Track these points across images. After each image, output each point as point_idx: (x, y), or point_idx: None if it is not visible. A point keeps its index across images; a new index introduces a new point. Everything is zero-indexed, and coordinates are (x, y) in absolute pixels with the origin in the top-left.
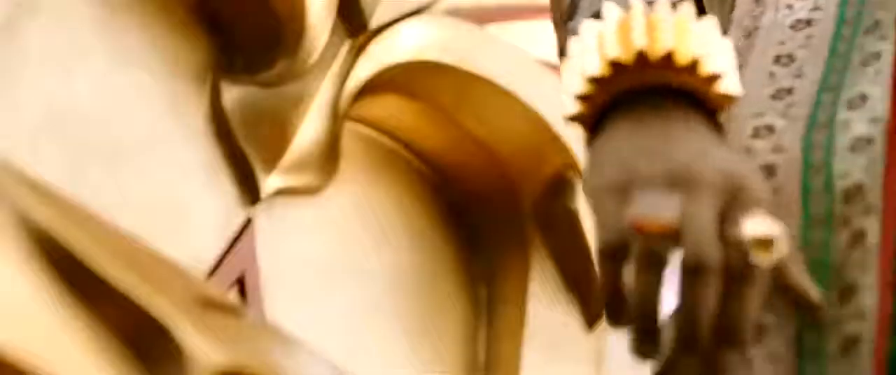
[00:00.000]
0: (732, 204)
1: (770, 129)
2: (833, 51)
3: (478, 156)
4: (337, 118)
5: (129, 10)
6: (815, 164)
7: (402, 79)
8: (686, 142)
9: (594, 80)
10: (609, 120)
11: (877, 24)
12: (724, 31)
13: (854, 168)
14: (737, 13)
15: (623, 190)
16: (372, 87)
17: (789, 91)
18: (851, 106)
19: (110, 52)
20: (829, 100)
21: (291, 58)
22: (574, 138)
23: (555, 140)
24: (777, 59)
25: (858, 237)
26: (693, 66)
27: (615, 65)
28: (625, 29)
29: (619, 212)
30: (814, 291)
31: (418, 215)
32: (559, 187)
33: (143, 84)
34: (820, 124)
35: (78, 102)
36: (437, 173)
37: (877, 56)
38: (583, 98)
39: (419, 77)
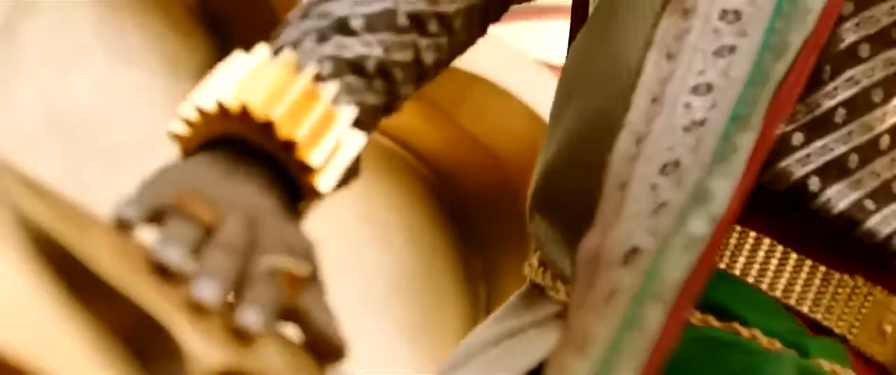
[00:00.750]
0: (260, 243)
1: (676, 165)
2: (751, 81)
3: (477, 156)
4: None
5: (129, 10)
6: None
7: None
8: (240, 190)
9: (202, 112)
10: (202, 149)
11: (786, 47)
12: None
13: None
14: (660, 30)
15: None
16: None
17: (702, 123)
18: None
19: (110, 51)
20: (732, 130)
21: None
22: None
23: None
24: (695, 90)
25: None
26: (290, 145)
27: (221, 108)
28: (258, 74)
29: (164, 191)
30: (334, 336)
31: (418, 215)
32: None
33: (142, 84)
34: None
35: (77, 102)
36: (437, 173)
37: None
38: (187, 122)
39: None
